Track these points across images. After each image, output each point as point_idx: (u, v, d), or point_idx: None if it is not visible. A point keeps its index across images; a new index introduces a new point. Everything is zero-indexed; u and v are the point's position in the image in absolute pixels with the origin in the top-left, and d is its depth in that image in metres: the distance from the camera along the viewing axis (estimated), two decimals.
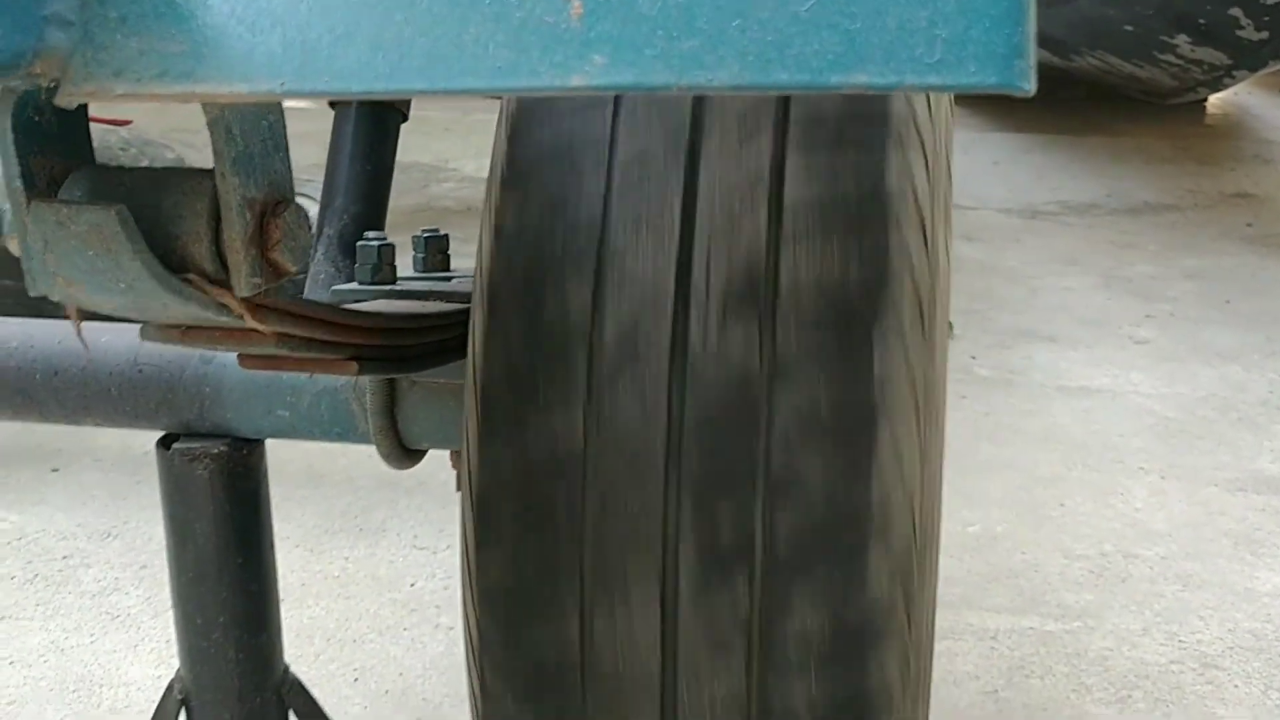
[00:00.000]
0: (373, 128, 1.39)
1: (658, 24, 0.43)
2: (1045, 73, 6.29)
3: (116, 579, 2.06)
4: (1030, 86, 0.42)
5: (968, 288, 3.60)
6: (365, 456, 2.51)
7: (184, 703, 1.32)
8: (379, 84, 0.45)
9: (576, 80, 0.44)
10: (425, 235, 1.20)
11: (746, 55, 0.43)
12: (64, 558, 2.12)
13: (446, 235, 1.21)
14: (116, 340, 1.25)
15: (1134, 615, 1.99)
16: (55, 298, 0.67)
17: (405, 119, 1.42)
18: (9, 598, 2.00)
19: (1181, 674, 1.83)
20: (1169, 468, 2.51)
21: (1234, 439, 2.66)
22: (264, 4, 0.46)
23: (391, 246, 1.14)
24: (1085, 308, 3.54)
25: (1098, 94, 6.47)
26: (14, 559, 2.12)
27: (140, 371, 1.23)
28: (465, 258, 1.21)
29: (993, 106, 6.31)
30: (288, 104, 0.68)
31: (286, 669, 1.35)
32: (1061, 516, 2.31)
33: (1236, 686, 1.80)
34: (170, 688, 1.32)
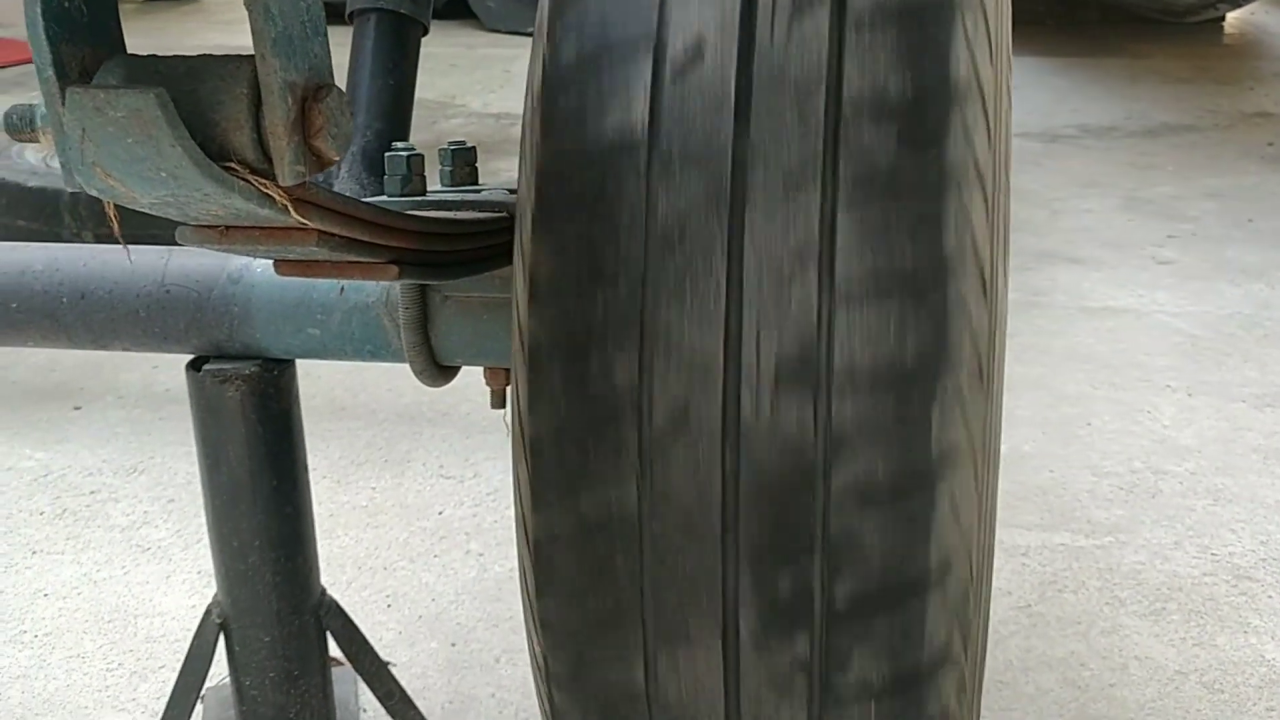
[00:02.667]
0: (393, 41, 1.36)
1: None
2: None
3: (145, 513, 2.06)
4: None
5: None
6: (386, 390, 2.51)
7: (222, 626, 1.32)
8: None
9: None
10: (452, 148, 1.17)
11: None
12: (91, 493, 2.12)
13: (474, 147, 1.18)
14: (143, 261, 1.23)
15: (1165, 530, 1.98)
16: (93, 190, 0.65)
17: (426, 32, 1.38)
18: (39, 532, 2.00)
19: (1215, 586, 1.83)
20: (1196, 384, 2.49)
21: (1260, 355, 2.63)
22: None
23: (421, 157, 1.11)
24: (1107, 229, 3.49)
25: (1114, 15, 6.36)
26: (42, 495, 2.12)
27: (168, 292, 1.21)
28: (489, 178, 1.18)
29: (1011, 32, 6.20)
30: None
31: (324, 591, 1.35)
32: (1089, 435, 2.29)
33: (1270, 597, 1.80)
34: (209, 611, 1.32)
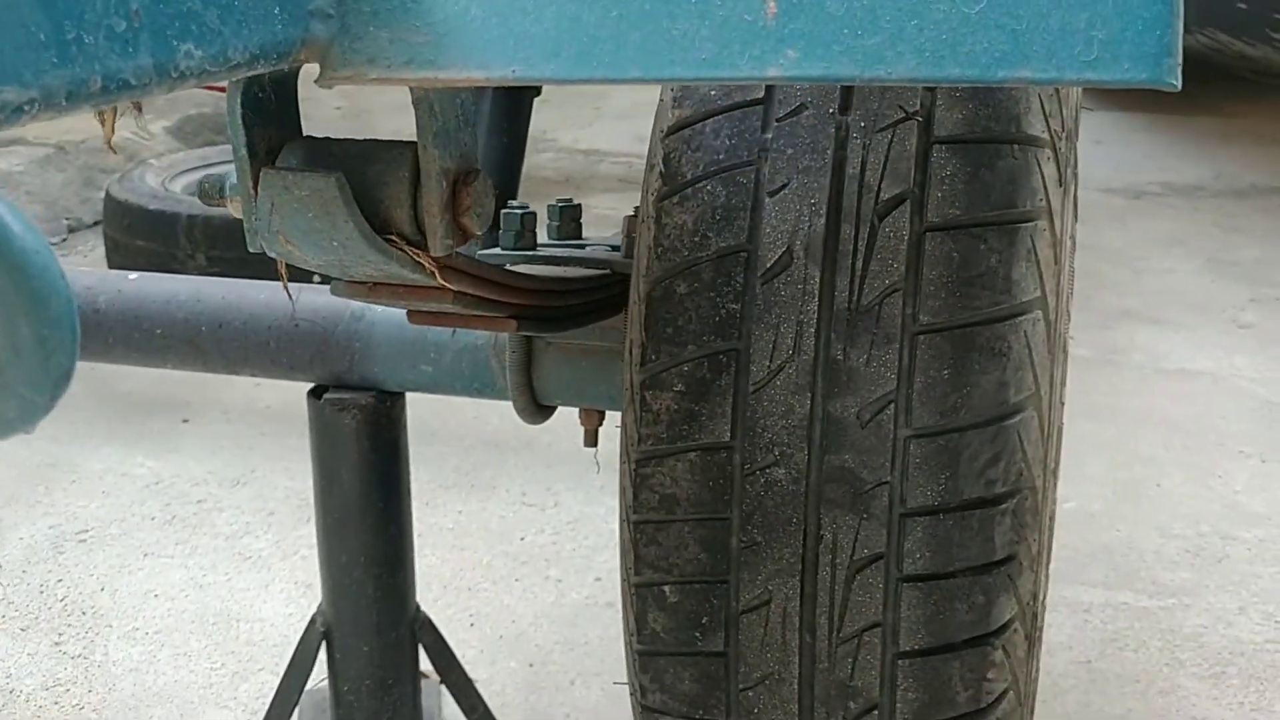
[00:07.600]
0: (508, 102, 1.47)
1: (844, 22, 0.49)
2: None
3: (248, 523, 2.19)
4: (1177, 83, 0.47)
5: None
6: (473, 418, 2.62)
7: (325, 635, 1.43)
8: (597, 72, 0.52)
9: (773, 72, 0.50)
10: (560, 205, 1.27)
11: (923, 51, 0.49)
12: (199, 502, 2.26)
13: (579, 205, 1.28)
14: (275, 296, 1.35)
15: (1230, 595, 2.01)
16: (273, 254, 0.75)
17: (539, 93, 1.49)
18: (151, 536, 2.14)
19: (1277, 653, 1.85)
20: (1271, 451, 2.50)
21: None
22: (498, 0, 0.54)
23: (534, 214, 1.21)
24: (1189, 290, 3.51)
25: (1205, 73, 6.33)
26: (153, 501, 2.26)
27: (297, 326, 1.33)
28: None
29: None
30: None
31: (418, 608, 1.45)
32: (1159, 496, 2.32)
33: None
34: (313, 620, 1.43)
